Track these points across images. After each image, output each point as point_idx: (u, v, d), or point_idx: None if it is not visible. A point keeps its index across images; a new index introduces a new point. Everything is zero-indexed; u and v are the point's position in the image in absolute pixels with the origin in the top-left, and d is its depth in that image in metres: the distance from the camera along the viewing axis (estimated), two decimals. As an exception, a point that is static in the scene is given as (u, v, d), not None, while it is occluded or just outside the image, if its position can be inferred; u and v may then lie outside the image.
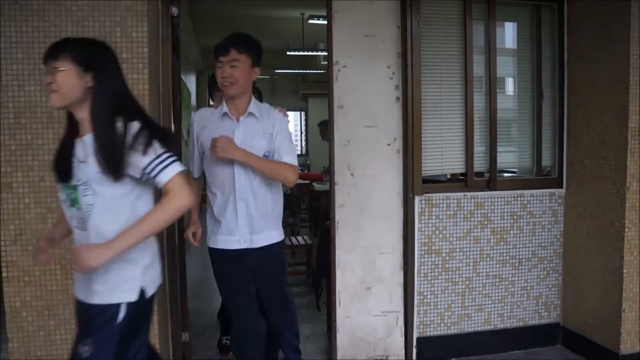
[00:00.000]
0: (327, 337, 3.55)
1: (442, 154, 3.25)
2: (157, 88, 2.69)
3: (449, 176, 3.41)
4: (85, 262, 1.54)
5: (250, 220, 2.35)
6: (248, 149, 2.24)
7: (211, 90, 3.15)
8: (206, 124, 2.38)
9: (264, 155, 2.30)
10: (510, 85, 3.55)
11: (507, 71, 3.49)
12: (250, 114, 2.34)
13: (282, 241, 2.53)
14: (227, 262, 2.40)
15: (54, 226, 2.03)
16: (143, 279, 1.70)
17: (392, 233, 3.10)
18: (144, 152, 1.60)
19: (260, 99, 2.75)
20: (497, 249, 3.29)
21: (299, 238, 5.07)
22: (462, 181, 3.31)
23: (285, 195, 2.73)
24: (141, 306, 1.69)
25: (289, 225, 6.63)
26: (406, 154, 3.06)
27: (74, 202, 1.67)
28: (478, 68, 3.27)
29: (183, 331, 3.06)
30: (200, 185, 2.56)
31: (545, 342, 3.41)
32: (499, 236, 3.28)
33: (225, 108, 2.34)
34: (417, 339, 3.17)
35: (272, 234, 2.43)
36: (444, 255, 3.20)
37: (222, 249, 2.38)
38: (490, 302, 3.30)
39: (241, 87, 2.29)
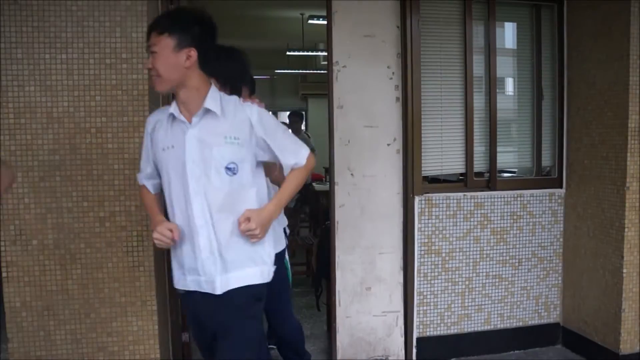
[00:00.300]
0: (327, 337, 3.55)
1: (442, 154, 3.25)
2: (157, 88, 2.69)
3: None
4: None
5: (213, 254, 1.77)
6: (206, 162, 1.72)
7: None
8: (159, 128, 1.82)
9: (227, 168, 1.72)
10: (510, 85, 3.55)
11: (507, 71, 3.49)
12: (207, 111, 1.73)
13: (266, 286, 1.86)
14: (191, 307, 1.93)
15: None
16: None
17: (392, 233, 3.10)
18: None
19: (252, 90, 2.25)
20: (497, 249, 3.29)
21: (299, 238, 5.08)
22: (462, 181, 3.31)
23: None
24: None
25: (289, 225, 6.61)
26: (406, 154, 3.06)
27: None
28: (478, 68, 3.27)
29: (183, 331, 3.06)
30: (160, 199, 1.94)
31: (545, 342, 3.41)
32: (498, 236, 3.28)
33: (172, 108, 1.76)
34: (417, 339, 3.17)
35: (243, 274, 1.79)
36: (443, 255, 3.20)
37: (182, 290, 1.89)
38: (490, 302, 3.30)
39: (167, 80, 1.70)
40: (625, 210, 2.93)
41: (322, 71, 8.28)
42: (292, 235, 5.48)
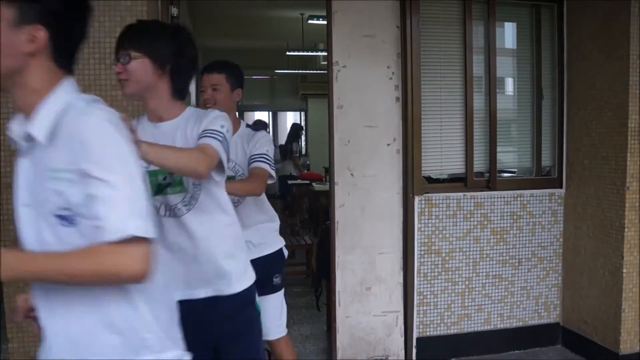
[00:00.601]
0: (327, 337, 3.55)
1: (442, 154, 3.25)
2: (157, 88, 2.68)
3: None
4: None
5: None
6: (38, 207, 1.12)
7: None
8: None
9: (58, 216, 1.06)
10: (510, 85, 3.55)
11: (507, 71, 3.49)
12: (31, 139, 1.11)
13: None
14: None
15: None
16: None
17: (392, 233, 3.10)
18: None
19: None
20: (497, 249, 3.29)
21: (299, 238, 5.08)
22: (462, 181, 3.32)
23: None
24: None
25: (289, 225, 6.62)
26: (406, 154, 3.06)
27: None
28: (478, 68, 3.27)
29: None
30: None
31: (545, 342, 3.41)
32: (498, 236, 3.28)
33: (15, 119, 1.19)
34: (417, 339, 3.16)
35: None
36: (443, 255, 3.20)
37: None
38: (490, 302, 3.30)
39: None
40: (625, 210, 2.93)
41: (322, 71, 8.28)
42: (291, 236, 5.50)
